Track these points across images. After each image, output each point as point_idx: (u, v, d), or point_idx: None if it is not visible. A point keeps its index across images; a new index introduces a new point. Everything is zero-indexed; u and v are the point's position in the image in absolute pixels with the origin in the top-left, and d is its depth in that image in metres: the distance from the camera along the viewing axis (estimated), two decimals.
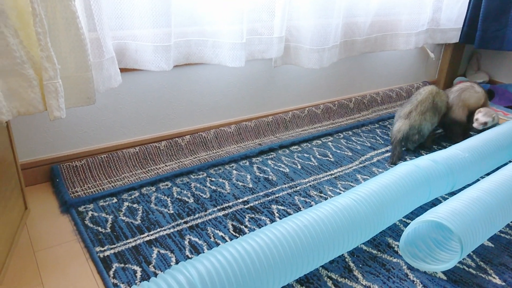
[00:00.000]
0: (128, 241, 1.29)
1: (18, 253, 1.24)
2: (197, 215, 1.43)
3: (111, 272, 1.16)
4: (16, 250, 1.25)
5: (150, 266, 1.19)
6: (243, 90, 2.03)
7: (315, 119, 2.26)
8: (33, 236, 1.31)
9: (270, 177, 1.71)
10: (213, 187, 1.61)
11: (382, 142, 2.09)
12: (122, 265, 1.19)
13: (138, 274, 1.16)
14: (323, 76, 2.32)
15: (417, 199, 1.40)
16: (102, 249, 1.25)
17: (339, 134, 2.17)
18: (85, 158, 1.64)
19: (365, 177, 1.73)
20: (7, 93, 1.04)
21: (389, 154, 1.96)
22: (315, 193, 1.60)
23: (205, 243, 1.30)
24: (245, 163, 1.81)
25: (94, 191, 1.54)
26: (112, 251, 1.24)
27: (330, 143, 2.05)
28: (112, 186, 1.57)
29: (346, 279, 1.17)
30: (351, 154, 1.95)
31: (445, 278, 1.18)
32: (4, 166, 1.26)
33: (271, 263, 1.01)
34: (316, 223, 1.12)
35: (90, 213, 1.42)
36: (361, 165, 1.83)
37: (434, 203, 1.55)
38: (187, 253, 1.25)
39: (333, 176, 1.73)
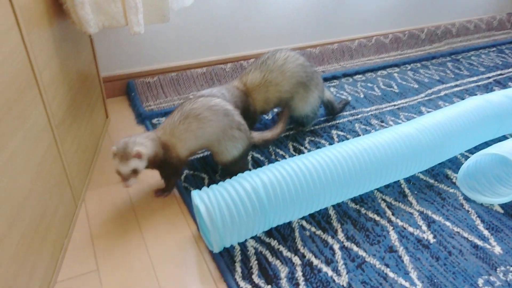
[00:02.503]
0: (197, 154, 1.41)
1: (103, 156, 1.40)
2: None
3: (182, 177, 1.30)
4: (101, 153, 1.41)
5: (216, 175, 1.31)
6: (310, 16, 1.99)
7: (382, 49, 2.19)
8: (114, 142, 1.47)
9: None
10: (275, 111, 1.66)
11: (453, 76, 2.00)
12: (192, 172, 1.32)
13: (206, 181, 1.29)
14: (394, 2, 2.19)
15: (483, 134, 1.37)
16: None
17: (406, 65, 2.09)
18: (157, 75, 1.75)
19: (429, 110, 1.69)
20: (94, 7, 1.12)
21: (458, 88, 1.88)
22: (376, 122, 1.60)
23: (267, 159, 1.38)
24: None
25: (166, 106, 1.65)
26: None
27: (395, 74, 2.00)
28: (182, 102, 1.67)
29: (400, 203, 1.22)
30: (417, 86, 1.90)
31: (502, 211, 1.19)
32: (90, 79, 1.39)
33: (329, 180, 1.08)
34: (376, 148, 1.15)
35: None
36: (426, 98, 1.79)
37: (501, 139, 1.50)
38: (250, 167, 1.35)
39: (396, 107, 1.72)
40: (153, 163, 1.14)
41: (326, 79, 1.91)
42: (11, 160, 0.79)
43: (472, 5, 2.49)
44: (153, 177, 1.27)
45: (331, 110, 1.58)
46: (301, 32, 2.01)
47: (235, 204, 0.98)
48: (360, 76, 1.97)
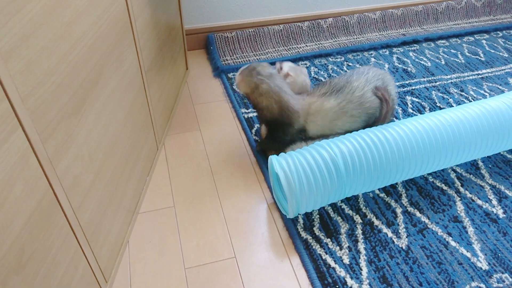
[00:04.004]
0: None
1: (181, 104, 1.50)
2: None
3: (253, 130, 1.36)
4: (180, 102, 1.51)
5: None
6: None
7: (472, 13, 2.03)
8: (192, 92, 1.56)
9: (409, 68, 1.67)
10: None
11: None
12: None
13: None
14: None
15: None
16: (246, 111, 1.44)
17: (498, 32, 1.93)
18: (235, 31, 1.79)
19: None
20: None
21: None
22: (455, 90, 1.53)
23: None
24: (385, 52, 1.78)
25: (242, 61, 1.70)
26: (254, 114, 1.43)
27: (484, 41, 1.86)
28: (257, 59, 1.72)
29: (471, 175, 1.19)
30: (507, 55, 1.76)
31: None
32: (174, 30, 1.47)
33: (408, 153, 1.04)
34: (460, 122, 1.09)
35: None
36: None
37: None
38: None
39: (479, 76, 1.62)
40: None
41: (406, 43, 1.84)
42: (110, 97, 0.89)
43: None
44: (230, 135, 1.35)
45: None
46: None
47: (313, 173, 0.98)
48: (443, 41, 1.86)
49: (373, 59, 1.73)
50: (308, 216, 1.08)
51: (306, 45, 1.81)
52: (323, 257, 0.98)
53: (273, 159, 1.03)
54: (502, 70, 1.66)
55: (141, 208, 1.12)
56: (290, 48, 1.79)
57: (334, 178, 0.99)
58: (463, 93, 1.52)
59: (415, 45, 1.83)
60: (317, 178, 0.98)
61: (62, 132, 0.69)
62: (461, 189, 1.14)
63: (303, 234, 1.03)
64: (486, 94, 1.51)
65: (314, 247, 1.00)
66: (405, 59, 1.73)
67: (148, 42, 1.15)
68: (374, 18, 1.91)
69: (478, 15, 2.04)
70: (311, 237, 1.02)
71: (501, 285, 0.92)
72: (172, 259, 0.99)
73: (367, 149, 1.02)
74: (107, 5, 0.86)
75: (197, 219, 1.09)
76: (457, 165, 1.22)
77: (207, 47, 1.78)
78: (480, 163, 1.23)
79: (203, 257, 0.99)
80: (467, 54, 1.76)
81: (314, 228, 1.05)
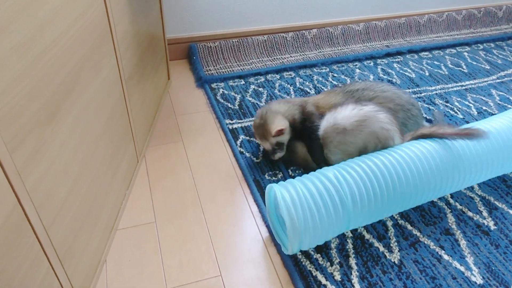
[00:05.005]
0: (253, 118, 1.42)
1: (163, 115, 1.45)
2: None
3: (238, 142, 1.32)
4: (162, 112, 1.46)
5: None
6: None
7: (453, 26, 2.06)
8: (174, 103, 1.51)
9: (393, 80, 1.66)
10: (334, 82, 1.63)
11: None
12: (248, 137, 1.34)
13: (262, 148, 1.30)
14: None
15: None
16: (230, 121, 1.40)
17: (479, 45, 1.96)
18: (219, 41, 1.76)
19: (501, 93, 1.58)
20: None
21: None
22: (440, 101, 1.53)
23: None
24: (370, 63, 1.78)
25: (225, 71, 1.67)
26: (239, 125, 1.39)
27: (466, 53, 1.88)
28: (241, 69, 1.68)
29: None
30: (488, 67, 1.78)
31: None
32: (156, 39, 1.43)
33: (423, 180, 0.98)
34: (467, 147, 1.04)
35: (221, 90, 1.56)
36: (498, 81, 1.67)
37: None
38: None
39: (463, 87, 1.62)
40: None
41: (390, 54, 1.84)
42: (87, 106, 0.83)
43: None
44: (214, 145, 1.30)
45: None
46: (367, 2, 1.93)
47: (319, 211, 0.89)
48: (426, 53, 1.87)
49: (358, 70, 1.72)
50: None
51: (290, 56, 1.79)
52: (314, 274, 0.93)
53: (276, 189, 0.92)
54: (485, 81, 1.67)
55: (120, 224, 1.05)
56: (274, 58, 1.77)
57: (340, 216, 0.91)
58: (448, 104, 1.51)
59: (399, 56, 1.84)
60: (323, 216, 0.89)
61: (33, 142, 0.63)
62: (451, 201, 1.12)
63: None
64: (471, 105, 1.51)
65: (304, 263, 0.95)
66: (390, 71, 1.72)
67: (128, 50, 1.11)
68: (358, 29, 1.91)
69: (459, 28, 2.07)
70: (300, 253, 0.98)
71: None
72: (153, 278, 0.92)
73: (375, 179, 0.94)
74: (85, 7, 0.81)
75: (179, 235, 1.03)
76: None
77: (190, 57, 1.74)
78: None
79: (186, 275, 0.93)
80: (450, 66, 1.77)
81: None
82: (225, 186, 1.17)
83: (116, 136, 1.03)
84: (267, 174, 1.20)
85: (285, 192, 0.90)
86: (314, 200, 0.89)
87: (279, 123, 1.17)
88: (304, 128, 1.20)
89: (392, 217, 1.07)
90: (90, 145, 0.86)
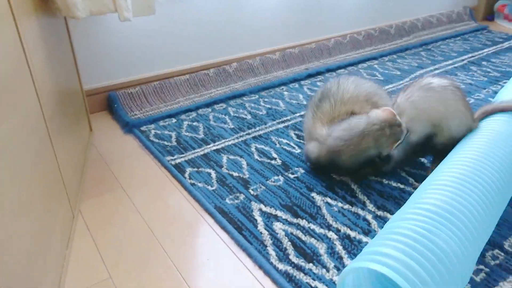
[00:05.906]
0: (196, 150, 1.31)
1: (92, 167, 1.27)
2: (257, 128, 1.44)
3: (186, 175, 1.19)
4: (90, 164, 1.28)
5: (222, 168, 1.21)
6: (289, 18, 1.98)
7: (357, 45, 2.22)
8: (103, 153, 1.34)
9: None
10: (268, 106, 1.61)
11: (429, 62, 2.04)
12: (196, 169, 1.22)
13: (213, 175, 1.18)
14: (365, 2, 2.25)
15: None
16: (172, 158, 1.27)
17: (384, 57, 2.12)
18: (139, 86, 1.65)
19: None
20: None
21: (438, 71, 1.91)
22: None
23: (272, 149, 1.31)
24: (295, 85, 1.80)
25: (153, 113, 1.55)
26: (182, 159, 1.27)
27: (376, 66, 2.01)
28: (169, 109, 1.59)
29: (420, 170, 1.17)
30: (399, 73, 1.91)
31: None
32: (72, 91, 1.28)
33: None
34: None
35: (153, 131, 1.44)
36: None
37: None
38: (256, 157, 1.26)
39: (387, 91, 1.70)
40: None
41: (311, 75, 1.89)
42: (3, 152, 0.67)
43: (433, 2, 2.61)
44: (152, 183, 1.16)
45: None
46: (280, 34, 2.00)
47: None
48: (342, 70, 1.96)
49: (286, 93, 1.72)
50: (278, 246, 0.92)
51: (217, 90, 1.74)
52: (313, 285, 0.81)
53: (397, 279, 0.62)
54: (401, 84, 1.78)
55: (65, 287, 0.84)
56: (201, 94, 1.70)
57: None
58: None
59: (319, 76, 1.90)
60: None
61: None
62: (417, 184, 1.10)
63: (281, 266, 0.86)
64: None
65: (297, 276, 0.84)
66: (316, 88, 1.76)
67: (50, 98, 0.96)
68: (275, 58, 1.95)
69: (363, 46, 2.23)
70: (290, 267, 0.86)
71: (497, 261, 0.86)
72: None
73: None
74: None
75: (145, 285, 0.85)
76: (406, 167, 1.19)
77: (111, 107, 1.60)
78: (424, 160, 1.22)
79: None
80: (367, 76, 1.88)
81: (290, 256, 0.89)
82: (185, 222, 1.02)
83: (46, 190, 0.85)
84: (227, 198, 1.08)
85: (408, 273, 0.62)
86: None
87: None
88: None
89: (369, 210, 1.01)
90: (14, 202, 0.68)
